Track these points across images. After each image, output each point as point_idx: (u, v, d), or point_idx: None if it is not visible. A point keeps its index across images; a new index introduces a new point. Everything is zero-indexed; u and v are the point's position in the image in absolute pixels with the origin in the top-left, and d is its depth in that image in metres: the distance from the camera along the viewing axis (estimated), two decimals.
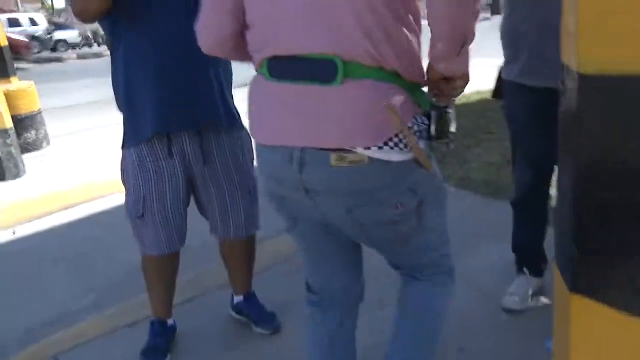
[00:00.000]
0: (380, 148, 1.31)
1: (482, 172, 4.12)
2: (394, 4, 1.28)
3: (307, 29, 1.29)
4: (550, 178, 2.43)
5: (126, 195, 2.20)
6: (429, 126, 1.44)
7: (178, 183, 2.15)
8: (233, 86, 2.25)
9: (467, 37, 1.28)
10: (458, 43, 1.28)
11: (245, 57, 1.53)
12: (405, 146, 1.33)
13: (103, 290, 2.98)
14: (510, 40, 2.27)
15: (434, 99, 1.46)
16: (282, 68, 1.35)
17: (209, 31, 1.50)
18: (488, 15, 27.52)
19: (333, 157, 1.31)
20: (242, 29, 1.46)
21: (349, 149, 1.30)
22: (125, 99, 2.08)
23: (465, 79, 1.41)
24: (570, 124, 0.97)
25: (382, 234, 1.49)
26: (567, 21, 0.99)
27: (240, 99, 2.00)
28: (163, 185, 2.13)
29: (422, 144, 1.39)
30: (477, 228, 3.31)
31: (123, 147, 2.16)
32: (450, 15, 1.23)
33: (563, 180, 1.07)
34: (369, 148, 1.30)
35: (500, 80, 2.44)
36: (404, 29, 1.32)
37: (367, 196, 1.37)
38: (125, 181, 2.20)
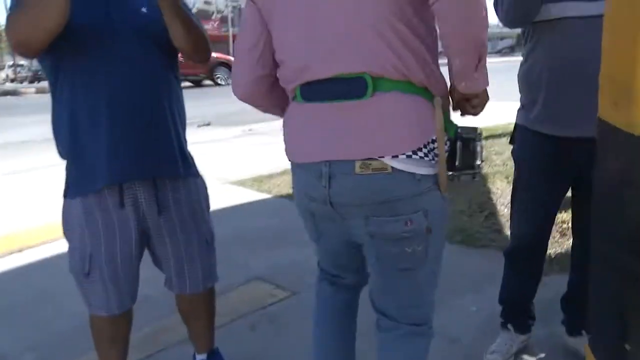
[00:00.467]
0: (408, 157, 1.38)
1: (453, 220, 3.99)
2: (412, 23, 1.39)
3: (336, 54, 1.41)
4: (550, 229, 2.34)
5: (69, 249, 1.98)
6: (453, 155, 1.50)
7: (130, 236, 1.95)
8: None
9: (481, 50, 1.37)
10: (474, 56, 1.37)
11: (275, 105, 1.73)
12: (434, 157, 1.41)
13: (45, 347, 2.70)
14: (527, 85, 2.20)
15: (459, 130, 1.52)
16: (313, 90, 1.48)
17: (253, 74, 1.63)
18: None
19: (358, 164, 1.40)
20: (272, 78, 1.63)
21: (374, 157, 1.38)
22: (71, 146, 1.88)
23: (484, 96, 1.50)
24: (621, 186, 0.82)
25: (389, 251, 1.52)
26: (618, 79, 0.86)
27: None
28: (113, 239, 1.92)
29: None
30: (452, 278, 3.12)
31: (66, 196, 1.95)
32: (463, 30, 1.34)
33: (605, 250, 0.91)
34: (396, 157, 1.38)
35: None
36: (424, 45, 1.43)
37: (383, 206, 1.44)
38: (68, 234, 1.98)
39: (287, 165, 5.02)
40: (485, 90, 1.49)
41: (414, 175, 1.41)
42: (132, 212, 1.93)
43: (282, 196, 5.11)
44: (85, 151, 1.87)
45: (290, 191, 5.09)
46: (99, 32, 1.81)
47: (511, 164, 5.14)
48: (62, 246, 2.09)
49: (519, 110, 2.28)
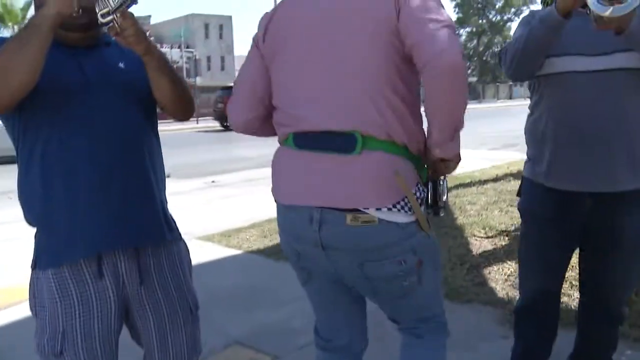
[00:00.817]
0: (389, 209, 1.56)
1: None
2: (400, 92, 1.57)
3: (333, 112, 1.58)
4: (560, 286, 2.25)
5: (38, 327, 1.76)
6: (427, 194, 1.72)
7: (109, 309, 1.75)
8: None
9: (458, 126, 1.55)
10: (451, 131, 1.55)
11: (269, 132, 1.86)
12: (410, 209, 1.58)
13: None
14: (533, 138, 2.15)
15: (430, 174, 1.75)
16: (308, 139, 1.62)
17: (241, 113, 1.84)
18: None
19: (349, 217, 1.56)
20: (268, 111, 1.79)
21: (362, 209, 1.55)
22: (43, 212, 1.70)
23: (457, 159, 1.66)
24: None
25: (386, 287, 1.70)
26: None
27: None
28: (90, 314, 1.72)
29: (422, 209, 1.64)
30: None
31: (35, 267, 1.75)
32: (448, 108, 1.51)
33: None
34: (379, 209, 1.55)
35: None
36: (410, 112, 1.61)
37: (376, 252, 1.61)
38: (36, 309, 1.77)
39: (255, 218, 5.02)
40: (458, 153, 1.63)
41: (397, 224, 1.58)
42: (112, 283, 1.74)
43: (253, 251, 4.91)
44: (59, 217, 1.68)
45: (262, 246, 5.00)
46: (73, 89, 1.66)
47: (486, 213, 5.15)
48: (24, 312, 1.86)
49: (525, 163, 2.23)
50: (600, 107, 1.93)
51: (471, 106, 38.67)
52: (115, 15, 1.54)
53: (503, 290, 3.54)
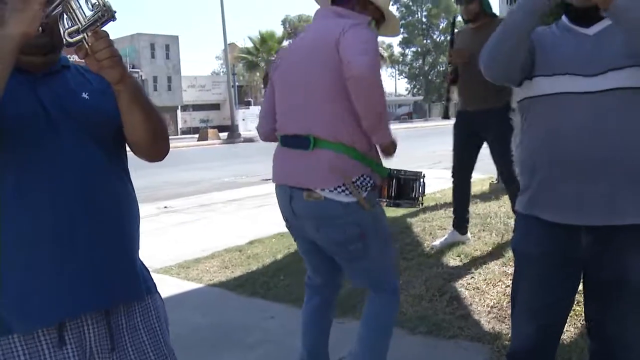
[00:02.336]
0: (331, 191, 2.22)
1: (412, 306, 3.65)
2: (346, 105, 2.20)
3: (297, 119, 2.32)
4: (558, 332, 2.02)
5: None
6: (389, 189, 2.45)
7: None
8: None
9: (380, 115, 2.22)
10: (375, 119, 2.22)
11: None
12: (350, 193, 2.21)
13: None
14: (526, 169, 1.95)
15: (394, 171, 2.46)
16: (286, 140, 2.37)
17: (265, 125, 2.55)
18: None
19: (305, 194, 2.26)
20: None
21: (313, 189, 2.24)
22: None
23: (392, 146, 2.39)
24: None
25: (337, 250, 2.37)
26: None
27: None
28: None
29: (364, 193, 2.24)
30: None
31: None
32: (366, 105, 2.18)
33: None
34: (324, 190, 2.22)
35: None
36: (356, 120, 2.22)
37: (325, 220, 2.28)
38: None
39: (214, 247, 4.96)
40: (392, 142, 2.36)
41: (340, 202, 2.22)
42: (76, 351, 1.45)
43: (215, 284, 4.58)
44: (15, 283, 1.38)
45: (224, 278, 4.68)
46: (29, 124, 1.39)
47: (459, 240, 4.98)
48: None
49: (518, 195, 2.03)
50: (600, 133, 1.75)
51: (419, 124, 39.24)
52: (85, 35, 1.28)
53: (488, 323, 3.34)
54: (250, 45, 34.19)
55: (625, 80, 1.73)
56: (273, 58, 2.70)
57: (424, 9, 59.40)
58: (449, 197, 7.35)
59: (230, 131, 31.25)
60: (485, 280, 3.90)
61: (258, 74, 37.94)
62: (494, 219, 5.32)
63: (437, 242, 4.73)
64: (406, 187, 2.48)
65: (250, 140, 28.27)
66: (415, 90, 63.15)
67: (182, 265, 5.12)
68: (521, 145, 1.99)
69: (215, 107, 47.92)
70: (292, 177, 2.31)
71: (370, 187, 2.26)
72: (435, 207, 6.33)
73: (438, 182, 9.34)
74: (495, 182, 8.25)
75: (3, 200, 1.38)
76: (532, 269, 1.97)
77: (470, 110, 4.43)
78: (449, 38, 4.67)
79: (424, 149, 16.59)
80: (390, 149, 2.37)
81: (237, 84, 41.97)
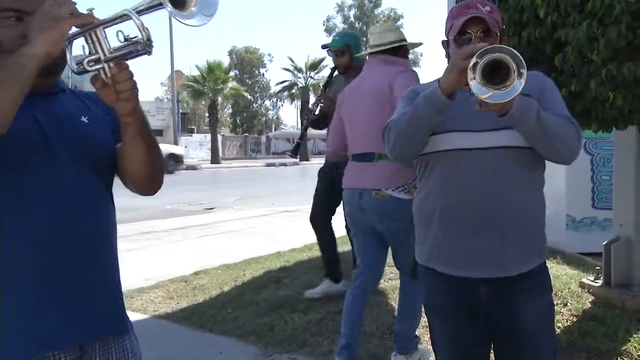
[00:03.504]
0: (393, 190, 3.10)
1: (363, 345, 3.64)
2: None
3: (363, 142, 3.26)
4: None
5: None
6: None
7: None
8: None
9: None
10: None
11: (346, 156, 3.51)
12: (407, 192, 3.07)
13: None
14: (422, 220, 2.03)
15: None
16: (356, 157, 3.33)
17: (336, 146, 3.62)
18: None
19: (374, 192, 3.15)
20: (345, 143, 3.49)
21: (380, 189, 3.13)
22: None
23: None
24: None
25: (391, 237, 3.28)
26: None
27: None
28: None
29: (415, 192, 2.33)
30: None
31: None
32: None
33: None
34: (387, 189, 3.12)
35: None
36: None
37: (387, 214, 3.15)
38: None
39: (157, 276, 4.78)
40: None
41: (399, 199, 3.08)
42: None
43: (160, 316, 4.47)
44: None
45: (169, 310, 4.57)
46: (28, 147, 1.35)
47: None
48: None
49: (415, 245, 2.10)
50: (491, 187, 1.85)
51: None
52: (107, 65, 1.27)
53: None
54: (196, 73, 34.03)
55: (512, 140, 1.83)
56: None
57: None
58: None
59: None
60: None
61: (203, 102, 37.68)
62: None
63: (309, 292, 4.57)
64: None
65: (193, 167, 27.90)
66: None
67: (126, 295, 4.92)
68: (418, 195, 2.06)
69: (158, 133, 46.84)
70: (362, 182, 3.21)
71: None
72: None
73: None
74: None
75: None
76: (440, 320, 2.04)
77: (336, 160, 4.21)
78: (325, 81, 4.62)
79: None
80: None
81: (180, 111, 41.55)
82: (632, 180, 4.08)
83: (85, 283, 1.42)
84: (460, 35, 1.90)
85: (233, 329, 4.06)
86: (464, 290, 1.92)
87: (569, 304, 4.03)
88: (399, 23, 57.21)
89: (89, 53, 1.30)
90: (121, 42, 1.27)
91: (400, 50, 3.36)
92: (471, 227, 1.86)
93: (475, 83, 1.57)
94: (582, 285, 4.37)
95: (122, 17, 1.25)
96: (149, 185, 1.57)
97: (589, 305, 4.03)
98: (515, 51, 1.57)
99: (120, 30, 1.27)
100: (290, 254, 6.32)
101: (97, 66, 1.29)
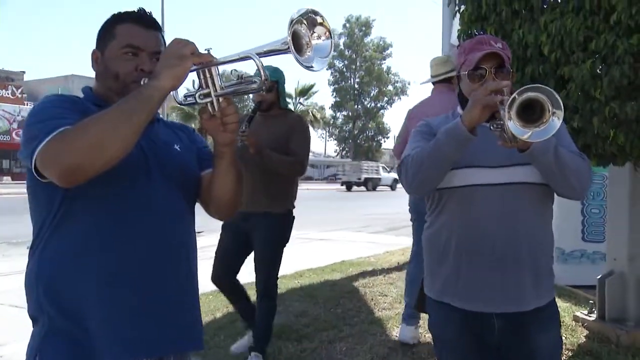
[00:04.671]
0: None
1: None
2: None
3: None
4: None
5: None
6: None
7: None
8: None
9: None
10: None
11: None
12: None
13: None
14: (434, 254, 2.02)
15: None
16: None
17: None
18: None
19: None
20: None
21: None
22: (58, 308, 1.45)
23: None
24: None
25: None
26: None
27: None
28: None
29: None
30: None
31: None
32: None
33: None
34: None
35: (423, 292, 2.14)
36: None
37: None
38: None
39: None
40: None
41: None
42: None
43: None
44: (81, 317, 1.44)
45: None
46: (131, 165, 1.48)
47: (400, 307, 5.02)
48: None
49: (425, 279, 2.10)
50: (507, 223, 1.88)
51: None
52: (217, 99, 1.43)
53: None
54: None
55: (529, 176, 1.87)
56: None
57: (357, 75, 61.28)
58: (384, 262, 7.48)
59: None
60: (428, 350, 3.93)
61: (193, 124, 37.78)
62: None
63: (235, 347, 4.11)
64: None
65: None
66: (344, 152, 64.38)
67: None
68: (429, 229, 2.06)
69: None
70: None
71: None
72: (374, 273, 6.38)
73: (370, 247, 9.47)
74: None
75: (85, 232, 1.45)
76: (452, 354, 2.03)
77: (248, 211, 3.51)
78: (249, 116, 3.67)
79: (353, 212, 16.83)
80: None
81: None
82: (626, 215, 4.13)
83: (174, 297, 1.54)
84: (474, 70, 1.92)
85: (225, 357, 4.01)
86: (478, 324, 1.92)
87: (564, 338, 4.04)
88: (387, 52, 58.12)
89: (199, 87, 1.45)
90: (234, 79, 1.44)
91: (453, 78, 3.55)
92: (488, 262, 1.87)
93: (512, 124, 1.56)
94: (576, 319, 4.39)
95: (243, 59, 1.40)
96: (231, 210, 1.71)
97: (584, 340, 4.04)
98: (550, 89, 1.58)
99: (234, 69, 1.48)
100: (281, 281, 6.22)
101: (207, 100, 1.44)
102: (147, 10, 1.63)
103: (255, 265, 3.74)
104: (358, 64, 60.02)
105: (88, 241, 1.46)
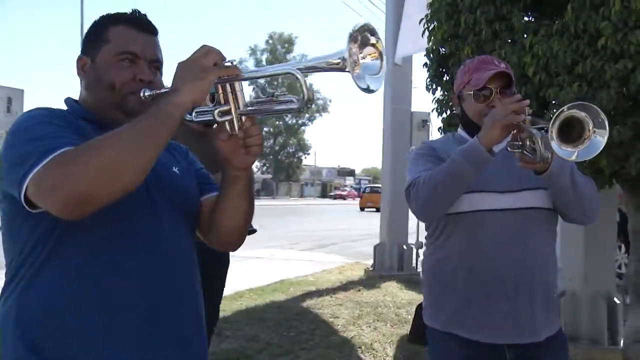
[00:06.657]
0: None
1: None
2: None
3: None
4: None
5: None
6: None
7: None
8: None
9: None
10: None
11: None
12: None
13: None
14: (440, 283, 1.92)
15: None
16: None
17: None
18: None
19: None
20: None
21: None
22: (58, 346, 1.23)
23: None
24: None
25: None
26: None
27: None
28: None
29: None
30: None
31: None
32: None
33: None
34: None
35: (420, 322, 2.03)
36: None
37: None
38: None
39: None
40: None
41: None
42: None
43: None
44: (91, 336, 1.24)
45: None
46: (133, 193, 1.24)
47: (356, 330, 4.91)
48: None
49: (426, 309, 1.98)
50: (517, 250, 1.81)
51: (267, 202, 39.58)
52: (239, 117, 1.24)
53: None
54: None
55: (538, 201, 1.82)
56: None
57: (279, 91, 61.48)
58: (324, 281, 7.37)
59: None
60: None
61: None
62: (384, 308, 5.37)
63: None
64: None
65: None
66: (265, 168, 64.19)
67: None
68: (432, 256, 1.97)
69: None
70: None
71: None
72: (319, 293, 6.25)
73: (305, 265, 9.34)
74: (371, 268, 8.42)
75: (79, 267, 1.25)
76: None
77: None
78: None
79: (282, 228, 16.65)
80: None
81: None
82: (581, 235, 4.21)
83: (179, 331, 1.37)
84: (480, 90, 1.86)
85: None
86: (489, 356, 1.82)
87: None
88: None
89: (216, 102, 1.26)
90: (264, 97, 1.26)
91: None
92: (500, 292, 1.79)
93: (556, 146, 1.50)
94: None
95: (278, 74, 1.26)
96: (240, 239, 1.53)
97: None
98: (592, 104, 1.53)
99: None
100: (224, 302, 6.01)
101: (226, 117, 1.26)
102: (142, 12, 1.42)
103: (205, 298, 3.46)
104: (280, 80, 60.27)
105: (86, 288, 1.25)
